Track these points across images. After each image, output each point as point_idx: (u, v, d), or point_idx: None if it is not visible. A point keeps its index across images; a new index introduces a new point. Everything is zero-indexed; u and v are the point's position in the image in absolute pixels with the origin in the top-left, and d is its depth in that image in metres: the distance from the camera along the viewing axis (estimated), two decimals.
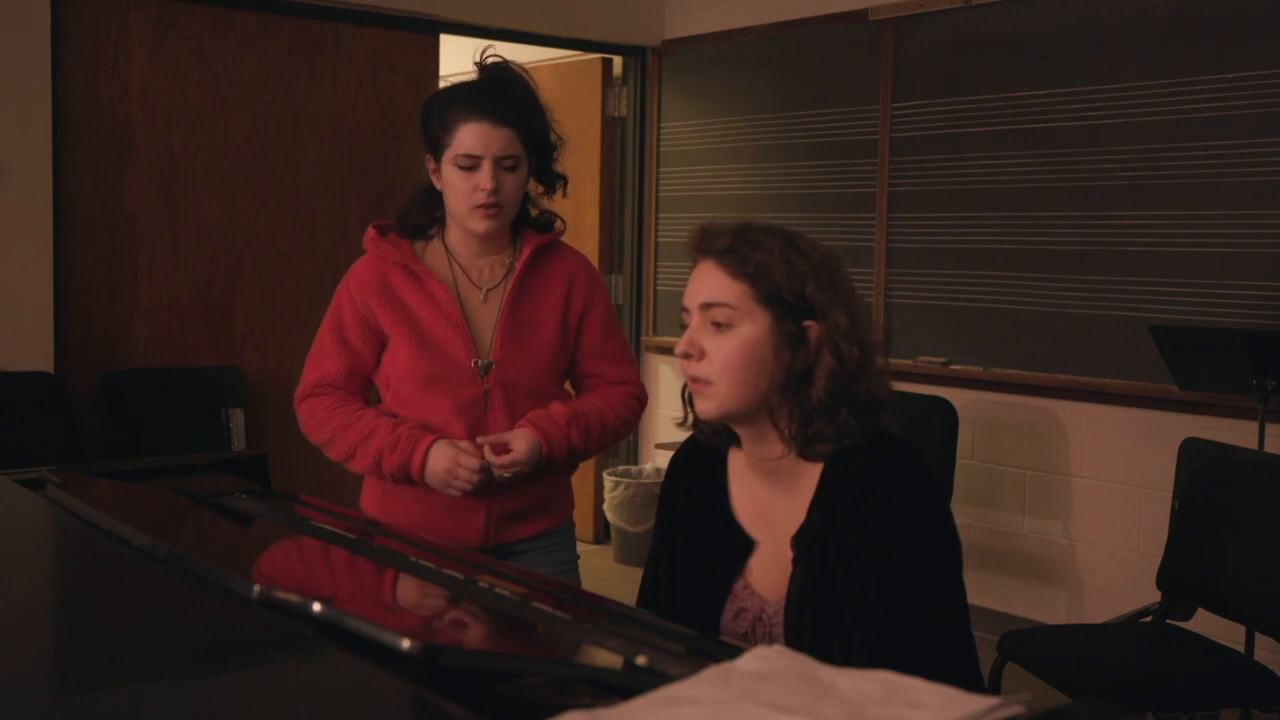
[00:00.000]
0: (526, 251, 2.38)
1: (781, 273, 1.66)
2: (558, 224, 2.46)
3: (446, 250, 2.40)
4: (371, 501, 2.43)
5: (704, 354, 1.69)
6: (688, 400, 1.80)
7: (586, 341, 2.44)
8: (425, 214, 2.41)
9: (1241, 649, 3.25)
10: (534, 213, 2.44)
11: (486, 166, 2.28)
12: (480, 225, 2.32)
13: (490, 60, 2.38)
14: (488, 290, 2.38)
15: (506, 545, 2.39)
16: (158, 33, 4.39)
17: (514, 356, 2.35)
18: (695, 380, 1.71)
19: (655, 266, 5.73)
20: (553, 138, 2.40)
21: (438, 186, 2.36)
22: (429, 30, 5.00)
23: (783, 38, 5.13)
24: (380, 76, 4.90)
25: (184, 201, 4.47)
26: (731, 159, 5.35)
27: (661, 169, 5.67)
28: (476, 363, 2.33)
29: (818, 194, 5.01)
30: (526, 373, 2.36)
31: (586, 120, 5.69)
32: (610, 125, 5.77)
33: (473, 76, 2.39)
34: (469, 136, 2.28)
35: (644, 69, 5.72)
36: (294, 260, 4.71)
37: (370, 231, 2.41)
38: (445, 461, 2.24)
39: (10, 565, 1.52)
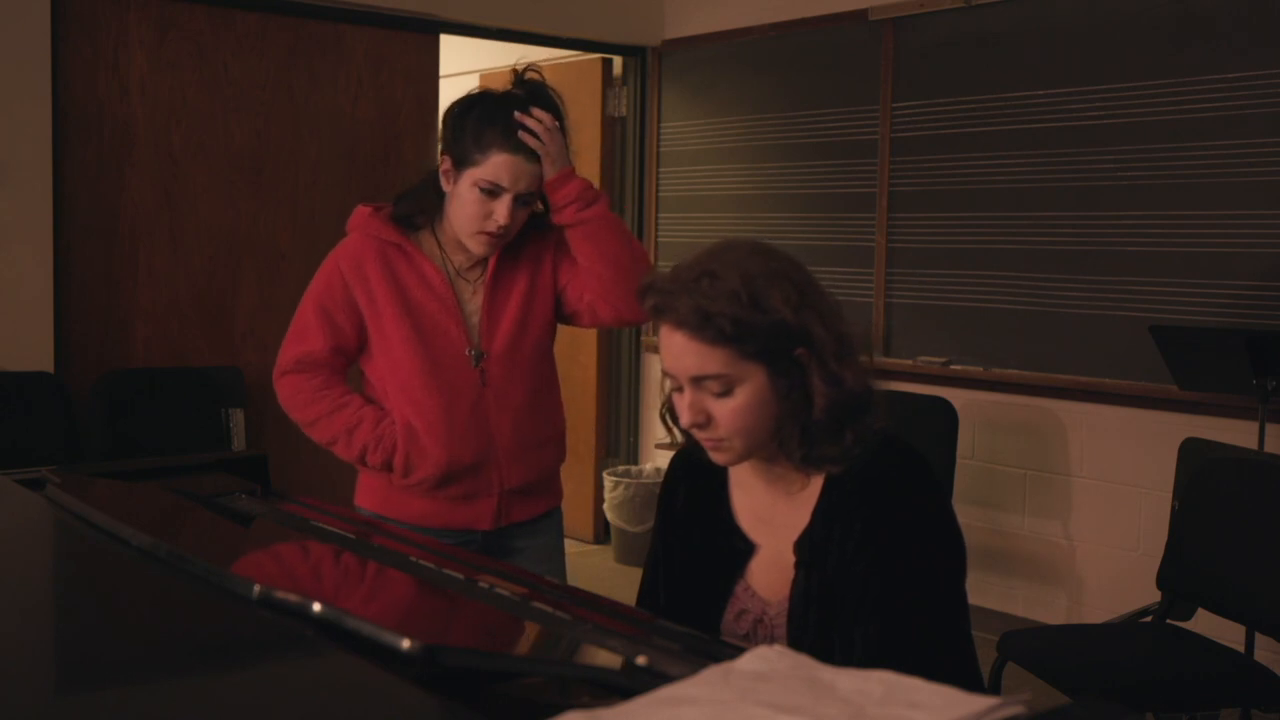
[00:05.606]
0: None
1: (759, 322, 1.59)
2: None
3: (437, 241, 2.38)
4: (370, 499, 2.43)
5: (710, 419, 1.65)
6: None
7: (565, 270, 2.40)
8: (427, 207, 2.38)
9: (1241, 649, 3.25)
10: None
11: (507, 200, 2.26)
12: (480, 249, 2.33)
13: (530, 78, 2.33)
14: (476, 281, 2.39)
15: (512, 527, 2.41)
16: (158, 32, 4.39)
17: (504, 339, 2.36)
18: (709, 440, 1.67)
19: (655, 267, 5.73)
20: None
21: (445, 188, 2.33)
22: (429, 30, 4.99)
23: (783, 38, 5.13)
24: (380, 76, 4.90)
25: (184, 201, 4.47)
26: (731, 159, 5.35)
27: (661, 169, 5.67)
28: (470, 351, 2.34)
29: (818, 194, 5.01)
30: (519, 352, 2.38)
31: (586, 120, 5.68)
32: (610, 125, 5.76)
33: (507, 89, 2.32)
34: (501, 168, 2.24)
35: (644, 69, 5.71)
36: (294, 260, 4.70)
37: (363, 209, 2.38)
38: None
39: (10, 565, 1.52)
